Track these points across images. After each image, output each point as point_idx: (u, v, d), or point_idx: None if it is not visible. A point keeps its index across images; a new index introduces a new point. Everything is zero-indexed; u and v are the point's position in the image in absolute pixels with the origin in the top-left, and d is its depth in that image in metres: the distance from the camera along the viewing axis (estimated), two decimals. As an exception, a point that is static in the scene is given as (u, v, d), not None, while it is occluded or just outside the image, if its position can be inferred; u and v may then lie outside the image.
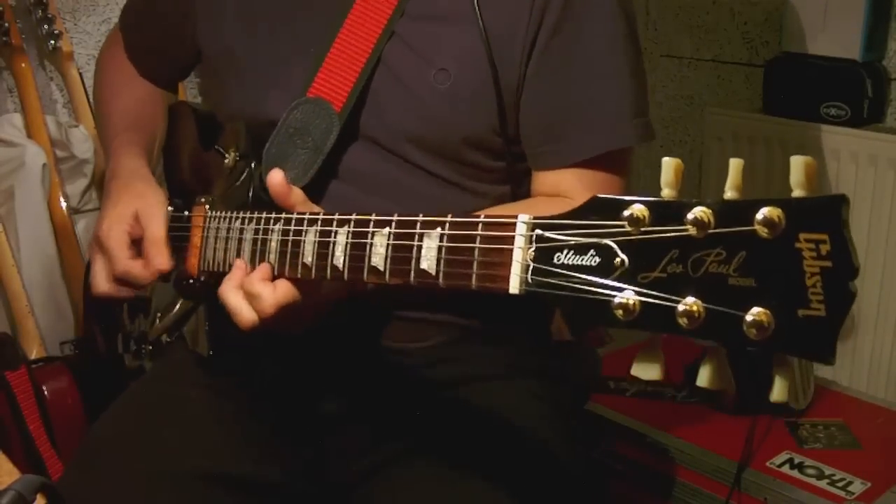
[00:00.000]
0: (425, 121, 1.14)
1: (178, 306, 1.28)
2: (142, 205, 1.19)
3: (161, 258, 1.15)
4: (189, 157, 1.36)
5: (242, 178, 1.18)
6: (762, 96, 2.28)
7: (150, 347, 1.36)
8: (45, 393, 1.78)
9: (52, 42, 2.02)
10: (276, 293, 1.00)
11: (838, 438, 1.84)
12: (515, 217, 0.77)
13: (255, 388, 1.23)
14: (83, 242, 2.00)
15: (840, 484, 1.68)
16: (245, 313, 1.01)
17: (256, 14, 1.24)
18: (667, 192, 0.69)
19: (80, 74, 2.07)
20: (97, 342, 1.56)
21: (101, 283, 1.20)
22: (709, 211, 0.65)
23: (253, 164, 1.17)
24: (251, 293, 1.01)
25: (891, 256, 2.14)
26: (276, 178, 1.01)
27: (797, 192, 0.64)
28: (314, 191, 1.13)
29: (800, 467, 1.74)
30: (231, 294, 1.03)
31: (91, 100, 2.09)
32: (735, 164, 0.67)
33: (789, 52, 2.21)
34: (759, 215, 0.62)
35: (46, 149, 1.97)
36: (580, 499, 1.15)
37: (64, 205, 2.00)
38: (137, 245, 1.18)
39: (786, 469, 1.74)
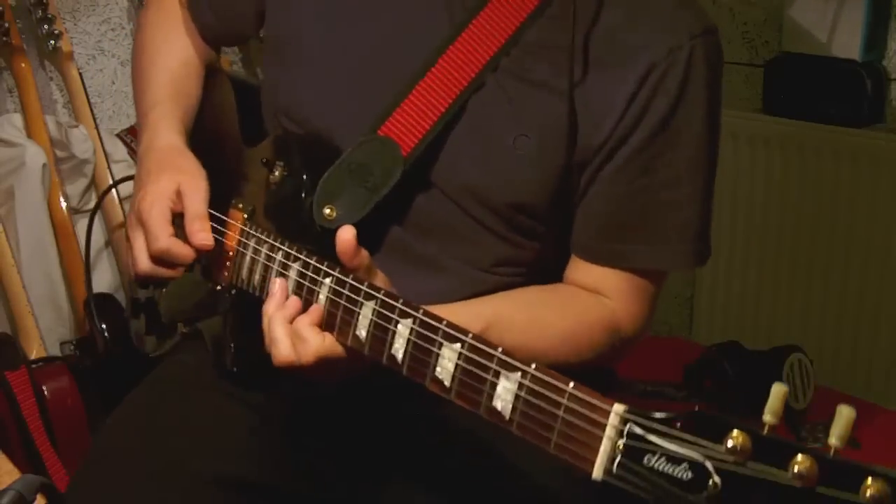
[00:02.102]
0: (491, 179, 1.10)
1: (198, 299, 1.24)
2: (183, 179, 1.14)
3: (203, 234, 1.11)
4: (225, 143, 1.30)
5: (290, 200, 1.13)
6: (762, 96, 2.28)
7: (161, 324, 1.32)
8: (45, 393, 1.78)
9: (52, 42, 2.02)
10: (325, 344, 0.98)
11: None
12: (610, 405, 0.75)
13: (268, 392, 1.21)
14: (83, 242, 1.99)
15: (840, 484, 1.68)
16: (284, 350, 0.98)
17: (336, 6, 1.17)
18: (769, 419, 0.67)
19: (80, 74, 2.07)
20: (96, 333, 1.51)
21: (142, 263, 1.14)
22: (815, 464, 0.63)
23: (304, 187, 1.12)
24: (299, 334, 0.98)
25: (890, 256, 2.14)
26: (346, 235, 0.98)
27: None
28: (363, 225, 1.08)
29: (800, 467, 1.74)
30: (279, 326, 0.99)
31: (90, 99, 2.09)
32: (847, 415, 0.65)
33: (789, 52, 2.21)
34: (869, 490, 0.61)
35: (46, 149, 1.97)
36: (582, 499, 1.15)
37: (64, 205, 2.00)
38: (178, 221, 1.14)
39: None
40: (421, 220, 1.14)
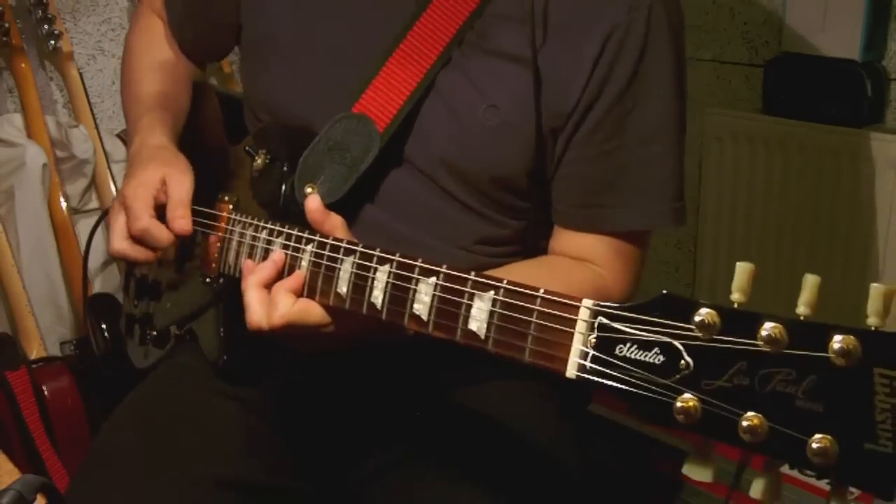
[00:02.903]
0: (466, 152, 1.13)
1: (189, 299, 1.26)
2: (170, 171, 1.18)
3: (183, 221, 1.14)
4: (211, 147, 1.33)
5: (273, 183, 1.16)
6: (762, 96, 2.28)
7: (155, 333, 1.34)
8: (45, 393, 1.78)
9: (52, 42, 2.02)
10: (294, 308, 0.99)
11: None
12: (579, 300, 0.76)
13: (266, 391, 1.22)
14: (83, 242, 2.00)
15: (840, 484, 1.68)
16: (254, 315, 1.00)
17: (307, 4, 1.21)
18: (737, 297, 0.68)
19: (80, 74, 2.07)
20: (97, 336, 1.54)
21: (118, 240, 1.17)
22: (783, 329, 0.65)
23: (285, 169, 1.15)
24: (272, 300, 1.00)
25: (890, 256, 2.14)
26: (312, 203, 1.01)
27: (872, 320, 0.63)
28: (344, 207, 1.11)
29: (800, 467, 1.74)
30: (253, 290, 1.01)
31: (90, 99, 2.09)
32: (812, 281, 0.66)
33: (789, 52, 2.21)
34: (835, 344, 0.62)
35: (46, 149, 1.97)
36: (583, 498, 1.15)
37: (64, 205, 2.00)
38: (161, 211, 1.16)
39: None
40: (401, 198, 1.16)
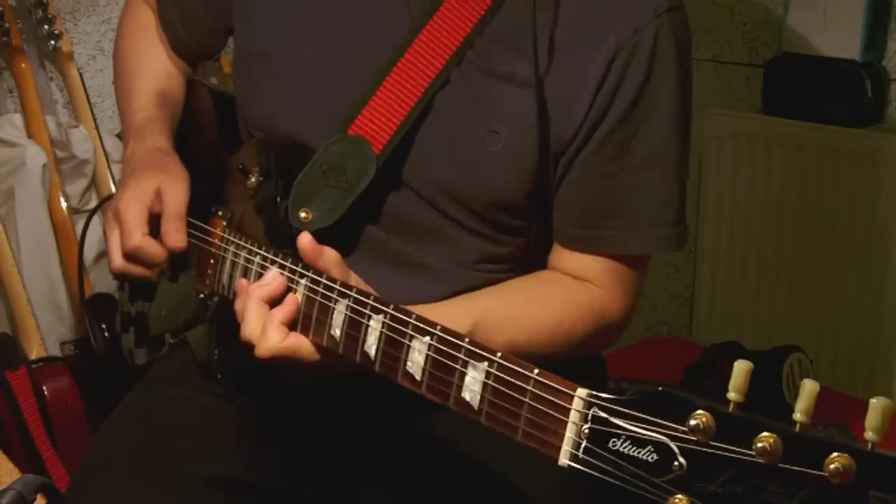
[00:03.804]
0: (465, 177, 1.10)
1: (183, 310, 1.25)
2: (165, 179, 1.15)
3: (177, 235, 1.12)
4: (204, 150, 1.31)
5: (265, 206, 1.13)
6: (762, 96, 2.28)
7: (150, 338, 1.33)
8: (45, 393, 1.78)
9: (52, 42, 2.02)
10: (283, 344, 0.97)
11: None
12: (574, 389, 0.76)
13: (259, 394, 1.22)
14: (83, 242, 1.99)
15: (840, 484, 1.68)
16: (249, 330, 0.98)
17: (299, 16, 1.17)
18: (734, 396, 0.67)
19: (80, 74, 2.07)
20: (94, 334, 1.54)
21: (116, 259, 1.15)
22: (779, 441, 0.64)
23: (279, 193, 1.12)
24: (265, 329, 0.97)
25: (890, 256, 2.14)
26: (304, 241, 0.98)
27: (869, 435, 0.62)
28: (341, 226, 1.10)
29: (800, 467, 1.73)
30: (255, 306, 0.99)
31: (90, 99, 2.09)
32: (810, 388, 0.65)
33: (789, 52, 2.21)
34: (832, 464, 0.61)
35: (46, 149, 1.96)
36: (584, 497, 1.15)
37: (64, 205, 1.99)
38: (156, 221, 1.15)
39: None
40: (398, 219, 1.14)
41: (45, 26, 2.01)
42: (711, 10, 2.41)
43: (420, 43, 1.10)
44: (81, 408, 1.80)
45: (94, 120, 2.07)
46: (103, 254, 2.06)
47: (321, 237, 1.01)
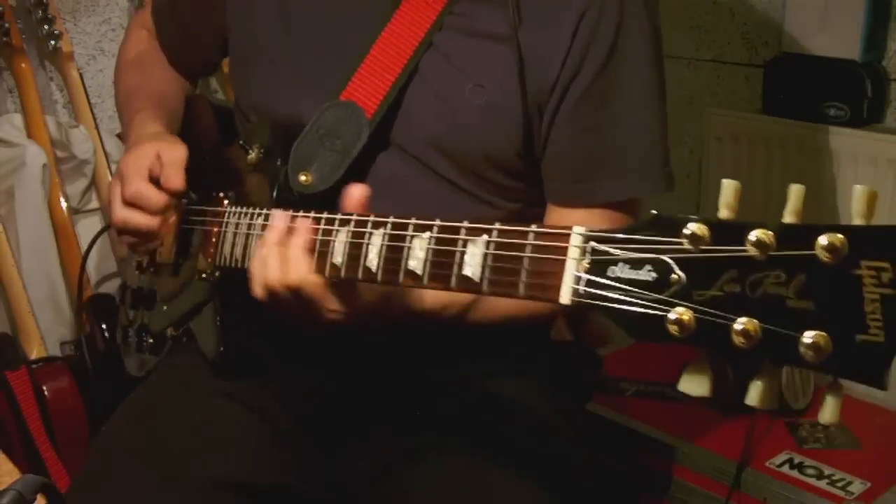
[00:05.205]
0: (454, 132, 1.15)
1: (185, 299, 1.27)
2: (163, 144, 1.23)
3: (176, 179, 1.18)
4: (207, 152, 1.36)
5: (267, 174, 1.18)
6: (762, 96, 2.28)
7: (152, 341, 1.35)
8: (45, 393, 1.78)
9: (52, 42, 2.02)
10: (311, 276, 0.98)
11: (838, 438, 1.84)
12: (570, 228, 0.77)
13: (265, 391, 1.22)
14: (83, 242, 2.00)
15: (840, 484, 1.68)
16: (273, 272, 0.99)
17: (290, 8, 1.24)
18: (725, 213, 0.69)
19: (80, 74, 2.07)
20: (95, 337, 1.55)
21: (117, 208, 1.22)
22: (770, 233, 0.65)
23: (279, 160, 1.16)
24: (289, 260, 0.98)
25: (891, 256, 2.14)
26: (356, 190, 0.99)
27: (857, 221, 0.64)
28: (338, 193, 1.11)
29: (799, 467, 1.74)
30: (272, 248, 0.99)
31: (90, 99, 2.09)
32: (797, 191, 0.68)
33: (789, 53, 2.21)
34: (822, 240, 0.63)
35: (46, 149, 1.97)
36: (579, 494, 1.15)
37: (64, 205, 2.00)
38: (156, 182, 1.20)
39: (785, 469, 1.74)
40: (394, 183, 1.17)
41: (45, 26, 2.01)
42: (711, 10, 2.41)
43: (402, 13, 1.17)
44: (81, 408, 1.80)
45: (94, 120, 2.07)
46: (103, 254, 2.07)
47: (321, 201, 1.05)
